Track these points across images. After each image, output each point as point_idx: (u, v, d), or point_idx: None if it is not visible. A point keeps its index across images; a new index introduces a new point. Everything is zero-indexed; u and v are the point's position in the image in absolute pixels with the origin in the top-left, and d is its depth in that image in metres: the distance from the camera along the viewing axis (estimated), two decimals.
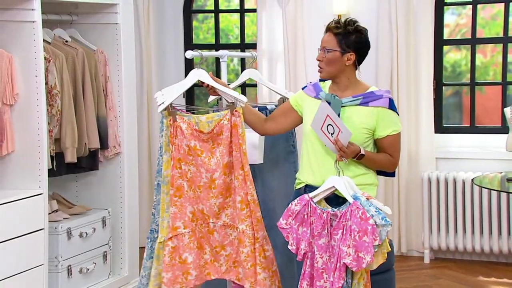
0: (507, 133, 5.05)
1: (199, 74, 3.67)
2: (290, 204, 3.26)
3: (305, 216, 3.22)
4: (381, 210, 3.10)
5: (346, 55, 3.28)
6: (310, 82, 3.47)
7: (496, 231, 5.52)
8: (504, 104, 5.73)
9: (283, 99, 3.99)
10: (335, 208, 3.17)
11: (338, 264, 3.11)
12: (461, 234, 5.62)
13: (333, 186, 3.19)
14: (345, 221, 3.11)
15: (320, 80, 3.45)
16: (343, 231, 3.12)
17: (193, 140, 3.55)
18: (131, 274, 4.88)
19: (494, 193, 5.47)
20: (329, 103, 3.26)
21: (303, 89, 3.48)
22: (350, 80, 3.33)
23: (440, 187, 5.65)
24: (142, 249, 5.36)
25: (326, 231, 3.17)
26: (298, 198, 3.25)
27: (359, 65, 3.34)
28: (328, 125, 3.18)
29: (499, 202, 5.50)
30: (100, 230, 4.68)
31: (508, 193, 5.27)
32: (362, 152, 3.23)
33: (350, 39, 3.27)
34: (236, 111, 3.52)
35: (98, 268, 4.66)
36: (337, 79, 3.32)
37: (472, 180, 5.12)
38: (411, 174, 5.75)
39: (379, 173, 3.43)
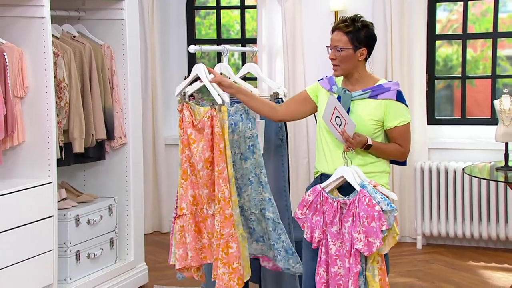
0: (497, 124, 5.05)
1: (197, 68, 3.68)
2: (304, 195, 3.27)
3: (318, 206, 3.23)
4: (386, 196, 3.12)
5: (358, 51, 3.29)
6: (326, 76, 3.48)
7: (485, 218, 5.54)
8: (493, 97, 5.74)
9: (276, 94, 3.99)
10: (345, 197, 3.19)
11: (352, 250, 3.12)
12: (452, 221, 5.63)
13: (342, 176, 3.20)
14: (354, 209, 3.13)
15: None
16: (353, 218, 3.13)
17: (190, 128, 3.56)
18: (136, 260, 4.89)
19: (483, 182, 5.48)
20: (339, 97, 3.28)
21: (319, 81, 3.49)
22: (361, 75, 3.34)
23: (433, 176, 5.66)
24: (147, 235, 5.38)
25: (337, 219, 3.18)
26: (311, 189, 3.27)
27: (368, 57, 3.35)
28: (336, 117, 3.20)
29: (489, 190, 5.51)
30: (107, 217, 4.69)
31: (497, 181, 5.27)
32: (370, 142, 3.24)
33: (360, 35, 3.28)
34: (214, 109, 3.49)
35: (105, 253, 4.67)
36: (349, 74, 3.33)
37: (463, 169, 5.13)
38: None
39: (392, 162, 3.43)
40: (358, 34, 3.27)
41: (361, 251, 3.11)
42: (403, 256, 5.49)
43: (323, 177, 3.36)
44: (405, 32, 5.71)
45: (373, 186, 3.15)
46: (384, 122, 3.30)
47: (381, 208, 3.07)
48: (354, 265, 3.12)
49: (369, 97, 3.29)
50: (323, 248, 3.22)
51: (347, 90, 3.31)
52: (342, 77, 3.40)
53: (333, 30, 3.33)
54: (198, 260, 3.62)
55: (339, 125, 3.21)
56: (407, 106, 3.33)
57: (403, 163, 3.46)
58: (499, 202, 5.49)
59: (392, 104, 3.28)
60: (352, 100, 3.29)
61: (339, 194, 3.24)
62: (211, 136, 3.47)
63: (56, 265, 4.17)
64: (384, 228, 3.06)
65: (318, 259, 3.24)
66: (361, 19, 3.31)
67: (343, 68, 3.30)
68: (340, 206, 3.18)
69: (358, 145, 3.23)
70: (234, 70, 4.01)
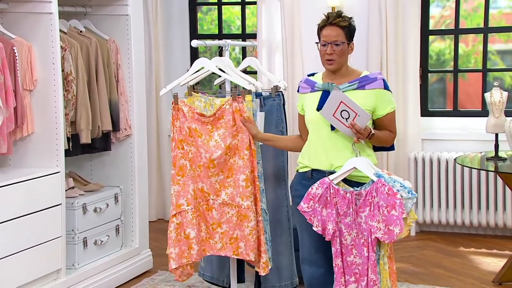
0: (487, 116, 5.05)
1: (203, 62, 3.69)
2: (310, 189, 3.19)
3: (328, 198, 3.16)
4: (404, 184, 3.10)
5: (350, 45, 3.31)
6: (301, 81, 3.45)
7: (476, 206, 5.56)
8: (484, 90, 5.74)
9: (276, 87, 3.99)
10: (357, 188, 3.15)
11: (370, 239, 3.08)
12: (444, 208, 5.65)
13: (354, 167, 3.16)
14: (371, 198, 3.09)
15: (309, 75, 3.44)
16: (370, 208, 3.09)
17: (194, 123, 3.56)
18: (141, 246, 4.91)
19: (474, 171, 5.50)
20: (328, 92, 3.25)
21: (298, 91, 3.47)
22: (347, 68, 3.34)
23: (426, 166, 5.67)
24: (151, 223, 5.40)
25: (351, 209, 3.13)
26: (318, 182, 3.19)
27: None
28: (342, 111, 3.15)
29: (479, 180, 5.53)
30: (112, 206, 4.70)
31: (487, 171, 5.29)
32: (373, 131, 3.23)
33: (351, 29, 3.30)
34: (238, 97, 3.51)
35: (111, 240, 4.69)
36: (339, 68, 3.32)
37: (455, 159, 5.14)
38: (399, 154, 5.76)
39: (380, 149, 3.42)
40: (350, 28, 3.29)
41: (381, 239, 3.06)
42: (397, 242, 5.50)
43: (314, 172, 3.31)
44: (400, 27, 5.70)
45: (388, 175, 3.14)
46: (375, 111, 3.29)
47: (401, 196, 3.04)
48: (372, 253, 3.09)
49: (356, 88, 3.27)
50: (338, 240, 3.17)
51: (333, 83, 3.28)
52: (319, 75, 3.39)
53: (324, 26, 3.30)
54: (200, 254, 3.61)
55: (346, 118, 3.16)
56: (391, 92, 3.35)
57: (391, 148, 3.45)
58: (489, 191, 5.51)
59: (382, 93, 3.28)
60: None
61: (345, 185, 3.19)
62: (233, 122, 3.48)
63: (65, 251, 4.19)
64: (404, 215, 3.03)
65: (334, 250, 3.18)
66: (343, 14, 3.32)
67: (339, 62, 3.28)
68: (355, 197, 3.14)
69: (366, 135, 3.21)
70: (235, 64, 4.01)
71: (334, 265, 3.20)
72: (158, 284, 4.62)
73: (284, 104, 4.06)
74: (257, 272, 3.99)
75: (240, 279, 4.05)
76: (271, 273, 3.94)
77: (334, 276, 3.21)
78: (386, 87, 3.29)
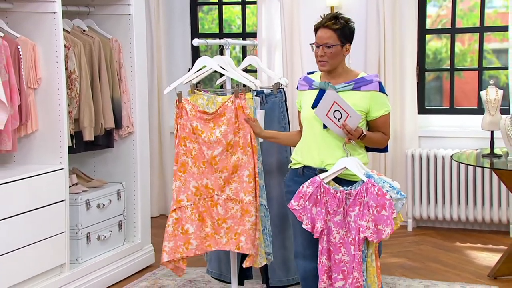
0: (483, 114, 5.06)
1: (205, 60, 3.69)
2: (301, 187, 3.21)
3: (318, 197, 3.17)
4: (393, 185, 3.10)
5: (344, 47, 3.29)
6: (300, 78, 3.47)
7: (471, 202, 5.57)
8: (480, 88, 5.75)
9: (278, 85, 3.99)
10: (348, 187, 3.15)
11: (357, 237, 3.09)
12: (441, 204, 5.66)
13: (344, 167, 3.16)
14: (361, 198, 3.09)
15: (308, 73, 3.45)
16: (360, 208, 3.09)
17: (195, 121, 3.56)
18: (143, 241, 4.92)
19: (470, 168, 5.50)
20: (324, 91, 3.26)
21: (297, 88, 3.48)
22: (343, 69, 3.34)
23: (423, 163, 5.68)
24: (153, 218, 5.41)
25: (342, 208, 3.14)
26: (309, 181, 3.20)
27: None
28: (335, 111, 3.15)
29: (475, 176, 5.54)
30: (115, 202, 4.71)
31: (483, 167, 5.30)
32: (364, 133, 3.23)
33: (345, 31, 3.28)
34: (241, 94, 3.51)
35: (114, 235, 4.70)
36: (334, 69, 3.32)
37: (451, 156, 5.15)
38: (396, 151, 5.77)
39: (374, 149, 3.43)
40: (344, 30, 3.27)
41: (370, 239, 3.07)
42: (395, 238, 5.52)
43: (306, 169, 3.33)
44: (397, 27, 5.71)
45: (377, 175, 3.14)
46: (369, 113, 3.29)
47: (391, 197, 3.04)
48: (358, 252, 3.10)
49: (352, 89, 3.27)
50: (325, 238, 3.18)
51: (330, 83, 3.29)
52: (319, 74, 3.39)
53: (318, 27, 3.29)
54: (203, 248, 3.60)
55: (339, 119, 3.16)
56: (387, 95, 3.34)
57: (385, 149, 3.46)
58: (485, 187, 5.52)
59: (377, 95, 3.28)
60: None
61: (336, 184, 3.20)
62: (235, 119, 3.49)
63: (68, 246, 4.20)
64: (394, 215, 3.04)
65: (320, 248, 3.19)
66: (341, 15, 3.30)
67: (331, 64, 3.28)
68: (345, 196, 3.15)
69: (358, 136, 3.22)
70: (236, 62, 4.02)
71: (318, 262, 3.21)
72: (159, 278, 4.63)
73: (286, 101, 4.06)
74: (265, 268, 3.98)
75: (248, 275, 4.06)
76: (279, 267, 3.94)
77: (318, 273, 3.21)
78: (381, 89, 3.29)
